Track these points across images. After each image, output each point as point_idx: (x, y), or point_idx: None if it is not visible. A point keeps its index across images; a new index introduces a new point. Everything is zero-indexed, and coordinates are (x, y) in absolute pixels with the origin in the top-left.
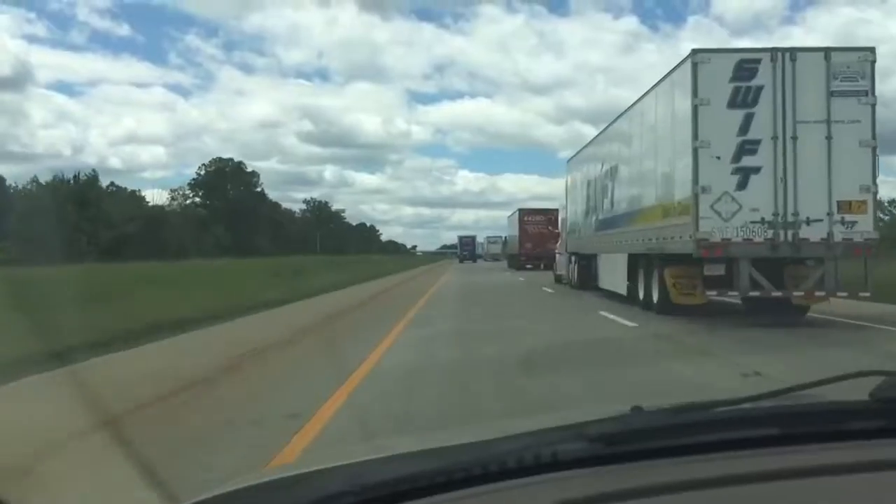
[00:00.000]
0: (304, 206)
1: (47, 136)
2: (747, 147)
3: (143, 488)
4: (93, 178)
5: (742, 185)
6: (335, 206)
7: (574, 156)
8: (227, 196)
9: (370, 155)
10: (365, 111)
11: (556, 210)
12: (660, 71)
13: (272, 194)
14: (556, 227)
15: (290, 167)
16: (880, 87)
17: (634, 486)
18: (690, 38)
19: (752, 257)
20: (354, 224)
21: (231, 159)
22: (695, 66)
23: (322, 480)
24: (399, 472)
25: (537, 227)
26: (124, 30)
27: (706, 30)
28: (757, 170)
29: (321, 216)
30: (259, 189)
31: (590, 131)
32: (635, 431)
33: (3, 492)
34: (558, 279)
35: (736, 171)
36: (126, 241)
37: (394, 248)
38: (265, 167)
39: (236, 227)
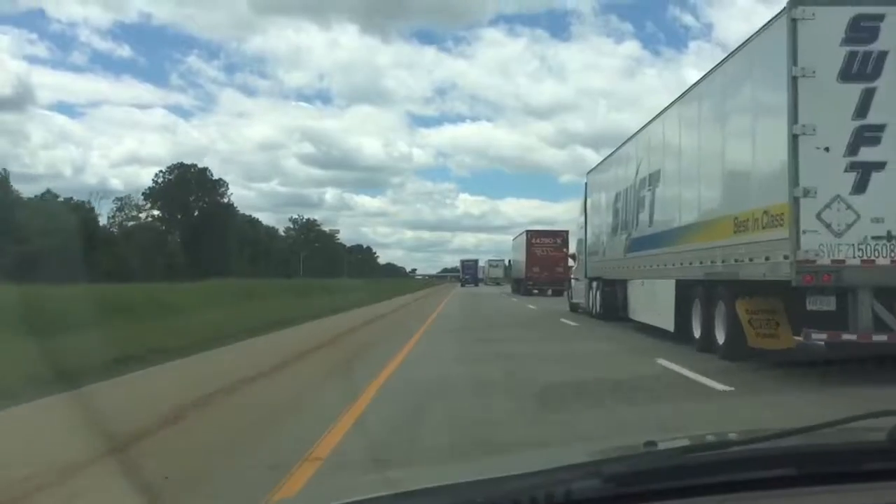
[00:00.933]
0: (289, 225)
1: (48, 156)
2: (867, 134)
3: None
4: (1, 179)
5: (860, 188)
6: (330, 228)
7: (598, 165)
8: (189, 208)
9: (371, 178)
10: (366, 134)
11: (566, 231)
12: (662, 95)
13: (272, 217)
14: (567, 250)
15: (290, 189)
16: None
17: None
18: (693, 62)
19: (874, 286)
20: (350, 245)
21: (194, 165)
22: (793, 22)
23: None
24: None
25: (546, 249)
26: (125, 51)
27: (708, 55)
28: (881, 165)
29: (308, 236)
30: (227, 200)
31: (591, 155)
32: (647, 472)
33: None
34: (574, 307)
35: (851, 167)
36: (41, 258)
37: (392, 271)
38: (266, 189)
39: (199, 245)
